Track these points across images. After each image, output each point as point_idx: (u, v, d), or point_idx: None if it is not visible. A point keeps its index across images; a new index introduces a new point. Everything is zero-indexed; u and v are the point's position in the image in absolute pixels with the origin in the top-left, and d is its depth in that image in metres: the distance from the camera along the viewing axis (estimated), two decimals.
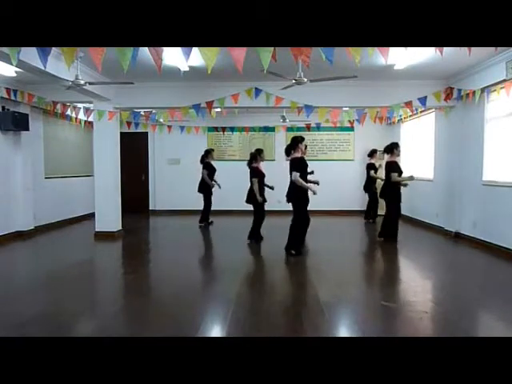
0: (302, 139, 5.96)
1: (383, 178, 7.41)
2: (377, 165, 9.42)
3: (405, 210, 9.79)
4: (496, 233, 6.11)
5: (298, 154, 5.89)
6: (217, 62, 3.53)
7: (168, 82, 7.08)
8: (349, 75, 5.44)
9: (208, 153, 8.89)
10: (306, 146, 6.06)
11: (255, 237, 7.03)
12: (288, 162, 6.04)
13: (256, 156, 7.01)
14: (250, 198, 6.94)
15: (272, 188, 7.13)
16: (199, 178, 8.84)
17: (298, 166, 5.79)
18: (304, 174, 5.88)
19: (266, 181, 7.13)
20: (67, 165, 9.25)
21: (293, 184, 5.82)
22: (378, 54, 3.83)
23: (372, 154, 9.48)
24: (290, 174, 5.89)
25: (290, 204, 5.99)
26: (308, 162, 6.05)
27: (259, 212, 6.97)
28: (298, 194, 5.80)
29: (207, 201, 8.84)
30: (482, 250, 6.22)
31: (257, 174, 6.84)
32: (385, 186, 7.11)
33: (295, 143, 5.90)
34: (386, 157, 7.42)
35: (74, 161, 9.62)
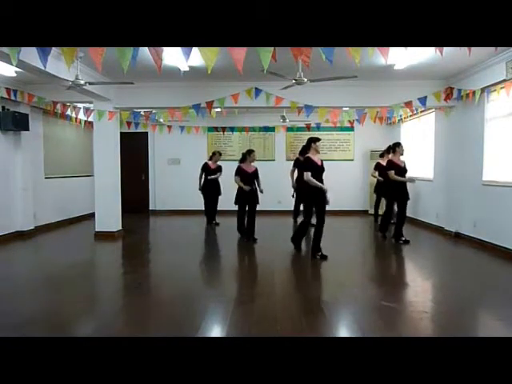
0: (316, 139, 5.89)
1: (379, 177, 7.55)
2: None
3: None
4: (496, 233, 6.10)
5: (309, 153, 5.83)
6: (217, 62, 3.53)
7: (168, 81, 7.08)
8: (349, 75, 5.44)
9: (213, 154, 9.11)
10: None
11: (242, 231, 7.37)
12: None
13: (245, 156, 7.17)
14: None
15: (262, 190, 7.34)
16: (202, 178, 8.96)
17: (303, 165, 5.84)
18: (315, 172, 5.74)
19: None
20: (67, 165, 9.25)
21: (306, 184, 5.69)
22: (378, 53, 3.83)
23: (384, 154, 9.22)
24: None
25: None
26: None
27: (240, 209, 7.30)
28: (316, 194, 5.65)
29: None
30: (482, 250, 6.22)
31: (239, 173, 7.06)
32: (391, 185, 6.99)
33: (308, 143, 5.94)
34: (388, 156, 7.54)
35: (74, 161, 9.61)
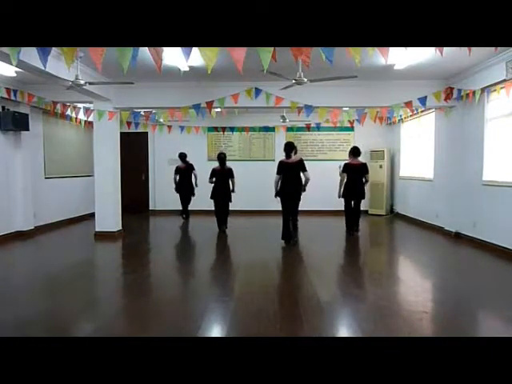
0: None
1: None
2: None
3: (405, 210, 9.84)
4: (496, 233, 6.10)
5: (297, 157, 6.64)
6: (217, 62, 3.53)
7: (168, 81, 7.08)
8: (349, 75, 5.44)
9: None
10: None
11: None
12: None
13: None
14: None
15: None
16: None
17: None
18: None
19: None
20: (67, 165, 9.25)
21: (299, 182, 6.60)
22: (377, 54, 3.83)
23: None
24: (293, 174, 6.58)
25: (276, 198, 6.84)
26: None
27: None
28: (301, 192, 6.67)
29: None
30: (482, 250, 6.22)
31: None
32: (361, 186, 7.57)
33: (294, 146, 6.73)
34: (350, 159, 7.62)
35: (74, 161, 9.61)
